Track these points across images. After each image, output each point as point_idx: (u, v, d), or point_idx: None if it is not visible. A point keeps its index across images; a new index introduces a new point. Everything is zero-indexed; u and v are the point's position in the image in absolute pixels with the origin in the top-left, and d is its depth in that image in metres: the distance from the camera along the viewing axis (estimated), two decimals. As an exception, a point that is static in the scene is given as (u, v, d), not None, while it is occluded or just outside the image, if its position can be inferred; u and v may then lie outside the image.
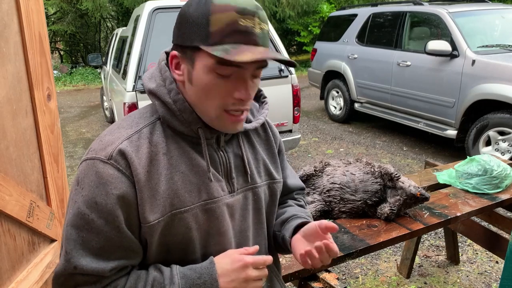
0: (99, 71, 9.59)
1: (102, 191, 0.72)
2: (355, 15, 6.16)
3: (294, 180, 1.08)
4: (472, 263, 2.63)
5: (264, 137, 0.97)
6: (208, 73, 0.74)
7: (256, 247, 0.84)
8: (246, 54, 0.69)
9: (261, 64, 0.76)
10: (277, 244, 1.00)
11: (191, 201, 0.78)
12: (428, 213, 1.68)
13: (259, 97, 0.98)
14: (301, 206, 1.07)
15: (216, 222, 0.82)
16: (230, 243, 0.85)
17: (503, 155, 3.87)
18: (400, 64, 4.99)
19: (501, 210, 2.20)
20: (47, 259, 1.18)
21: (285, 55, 3.69)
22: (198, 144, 0.82)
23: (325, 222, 0.83)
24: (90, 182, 0.73)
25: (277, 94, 3.65)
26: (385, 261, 2.67)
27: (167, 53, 0.85)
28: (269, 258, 0.82)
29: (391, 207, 1.60)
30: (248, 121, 0.91)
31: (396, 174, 1.63)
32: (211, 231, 0.82)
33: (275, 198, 0.97)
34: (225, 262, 0.80)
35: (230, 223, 0.85)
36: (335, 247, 0.83)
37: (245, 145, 0.91)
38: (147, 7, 3.39)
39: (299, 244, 0.88)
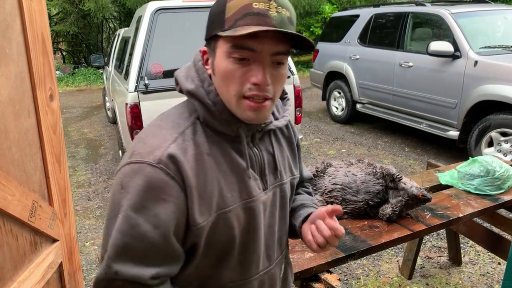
0: (101, 71, 9.62)
1: (151, 196, 0.71)
2: (357, 16, 6.15)
3: (306, 171, 1.13)
4: (474, 264, 2.62)
5: (287, 134, 0.98)
6: (225, 59, 0.74)
7: None
8: (250, 28, 0.68)
9: (277, 49, 0.74)
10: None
11: (233, 200, 0.79)
12: (430, 214, 1.68)
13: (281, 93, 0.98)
14: (309, 193, 1.12)
15: (254, 220, 0.83)
16: (261, 238, 0.87)
17: (506, 156, 3.86)
18: (402, 65, 4.98)
19: (503, 211, 2.19)
20: (49, 259, 1.18)
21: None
22: (236, 142, 0.82)
23: (330, 207, 0.84)
24: (137, 186, 0.71)
25: None
26: (387, 262, 2.67)
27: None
28: None
29: (393, 208, 1.60)
30: (274, 117, 0.92)
31: (398, 175, 1.63)
32: (249, 228, 0.84)
33: (292, 193, 1.00)
34: None
35: (262, 219, 0.87)
36: (339, 226, 0.83)
37: (274, 142, 0.92)
38: (149, 8, 3.40)
39: (307, 230, 0.91)
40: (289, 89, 3.71)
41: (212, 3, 0.78)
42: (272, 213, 0.90)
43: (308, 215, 0.96)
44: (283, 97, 0.97)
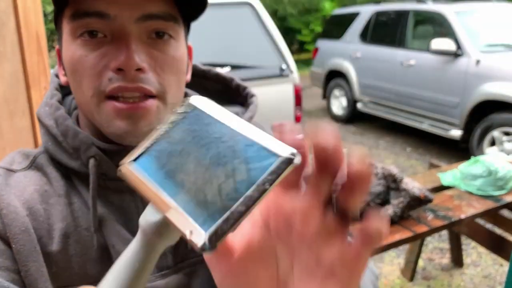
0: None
1: None
2: (358, 13, 6.13)
3: None
4: (476, 266, 2.60)
5: None
6: (71, 43, 0.47)
7: None
8: None
9: (146, 10, 0.46)
10: None
11: None
12: (432, 215, 1.66)
13: (245, 97, 0.65)
14: None
15: None
16: None
17: (508, 155, 3.84)
18: (404, 63, 4.96)
19: (505, 212, 2.17)
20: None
21: (287, 55, 3.67)
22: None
23: None
24: None
25: (278, 94, 3.63)
26: (388, 264, 2.65)
27: None
28: None
29: (394, 209, 1.58)
30: None
31: (400, 176, 1.61)
32: None
33: None
34: None
35: None
36: None
37: None
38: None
39: None
40: (288, 88, 3.70)
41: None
42: None
43: None
44: (249, 101, 0.63)
